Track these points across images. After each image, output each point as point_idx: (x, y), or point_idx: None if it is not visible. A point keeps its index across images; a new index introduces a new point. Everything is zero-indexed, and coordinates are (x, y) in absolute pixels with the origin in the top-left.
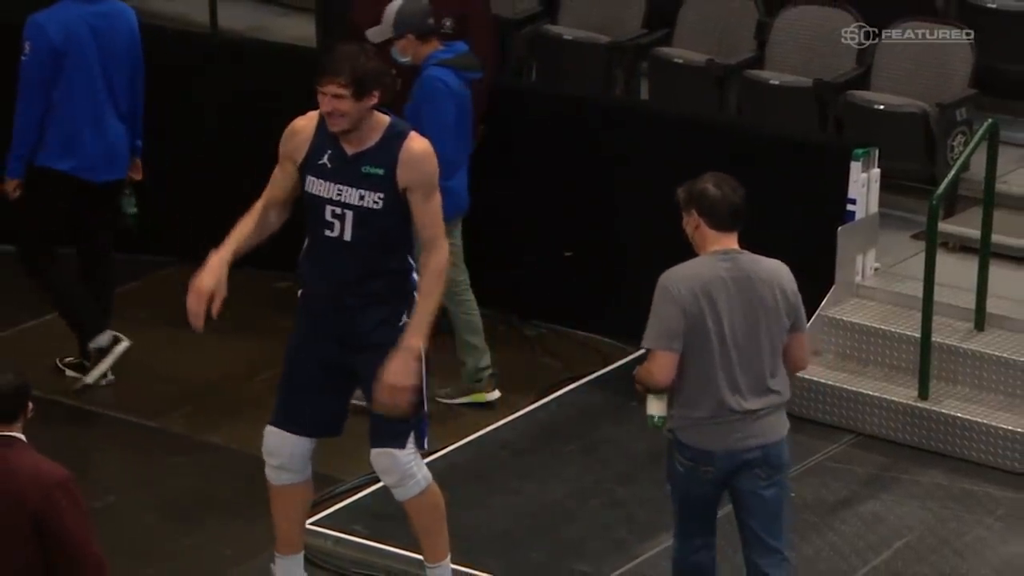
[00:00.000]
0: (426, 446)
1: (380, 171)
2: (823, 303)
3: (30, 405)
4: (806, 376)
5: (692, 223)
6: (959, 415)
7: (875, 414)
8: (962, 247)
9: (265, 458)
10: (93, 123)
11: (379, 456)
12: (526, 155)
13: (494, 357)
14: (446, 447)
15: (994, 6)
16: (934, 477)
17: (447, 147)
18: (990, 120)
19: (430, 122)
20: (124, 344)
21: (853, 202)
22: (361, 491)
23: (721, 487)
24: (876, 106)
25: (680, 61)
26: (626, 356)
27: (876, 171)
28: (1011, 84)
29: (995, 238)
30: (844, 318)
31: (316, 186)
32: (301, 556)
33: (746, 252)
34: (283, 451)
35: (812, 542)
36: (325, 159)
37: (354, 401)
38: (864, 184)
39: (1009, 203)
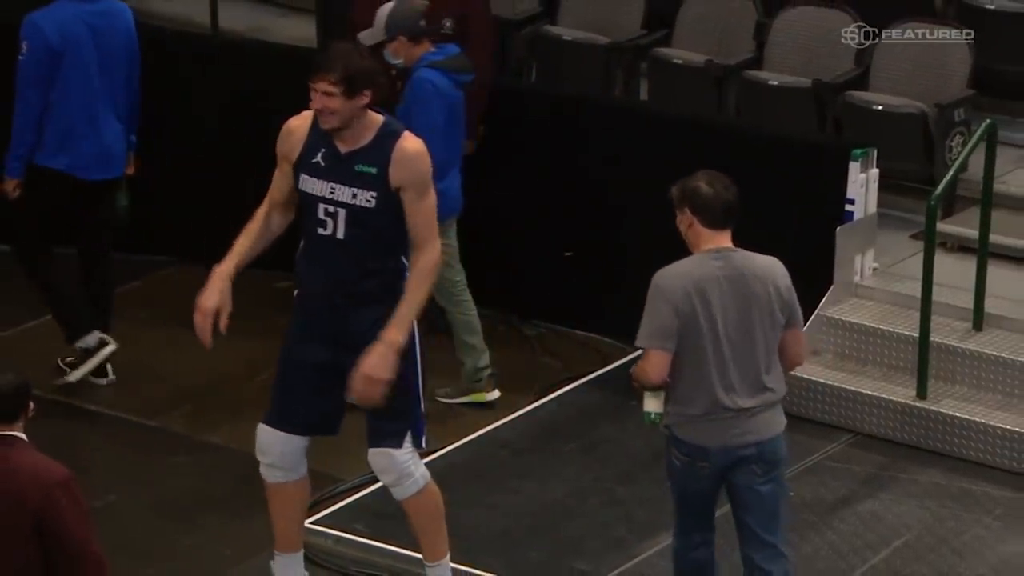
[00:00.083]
0: (424, 445)
1: (373, 170)
2: (822, 303)
3: (31, 404)
4: (805, 375)
5: (685, 221)
6: (957, 415)
7: (874, 413)
8: (960, 247)
9: (257, 456)
10: (89, 122)
11: (376, 456)
12: (526, 155)
13: (494, 357)
14: (446, 447)
15: (993, 7)
16: (932, 476)
17: (437, 149)
18: (988, 120)
19: (419, 124)
20: (111, 347)
21: (852, 202)
22: (362, 490)
23: (718, 482)
24: (875, 106)
25: (679, 62)
26: (625, 356)
27: (875, 171)
28: (1009, 85)
29: (993, 238)
30: (843, 318)
31: (309, 184)
32: (300, 555)
33: (739, 250)
34: (274, 449)
35: (811, 541)
36: (319, 157)
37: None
38: (863, 184)
39: (1007, 203)
